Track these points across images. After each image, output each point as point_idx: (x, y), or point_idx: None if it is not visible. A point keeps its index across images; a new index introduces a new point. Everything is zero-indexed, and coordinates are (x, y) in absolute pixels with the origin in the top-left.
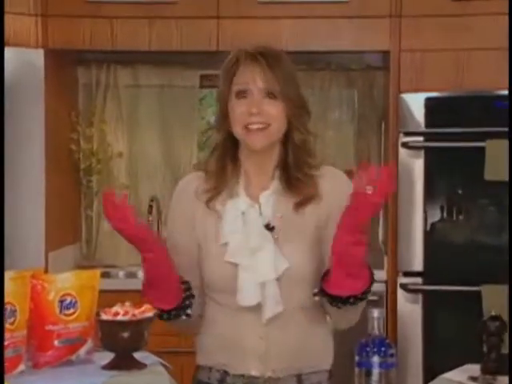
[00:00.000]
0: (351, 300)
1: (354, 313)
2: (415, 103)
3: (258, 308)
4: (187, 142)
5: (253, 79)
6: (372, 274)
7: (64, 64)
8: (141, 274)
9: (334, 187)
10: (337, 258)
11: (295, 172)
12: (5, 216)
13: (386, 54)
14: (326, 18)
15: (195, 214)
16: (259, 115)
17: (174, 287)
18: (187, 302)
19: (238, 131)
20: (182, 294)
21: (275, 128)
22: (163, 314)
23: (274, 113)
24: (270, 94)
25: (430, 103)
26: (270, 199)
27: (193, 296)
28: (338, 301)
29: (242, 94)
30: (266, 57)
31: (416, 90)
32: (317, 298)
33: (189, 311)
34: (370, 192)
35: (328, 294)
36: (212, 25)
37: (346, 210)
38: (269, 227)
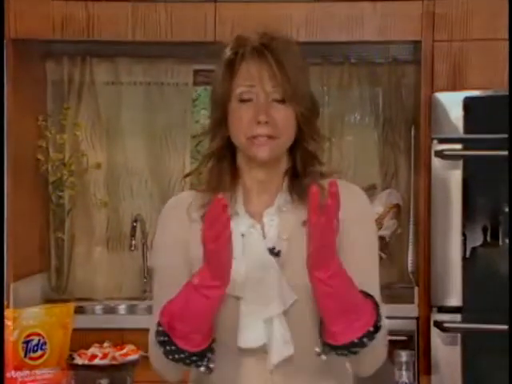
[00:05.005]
0: (364, 340)
1: (374, 352)
2: (452, 104)
3: (262, 351)
4: (178, 151)
5: (259, 80)
6: (376, 305)
7: (29, 57)
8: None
9: (347, 201)
10: (321, 305)
11: (306, 180)
12: None
13: (416, 44)
14: (345, 0)
15: (188, 236)
16: (267, 125)
17: (207, 328)
18: (209, 355)
19: (241, 142)
20: (209, 341)
21: (285, 140)
22: (181, 353)
23: (285, 121)
24: (279, 99)
25: (469, 104)
26: (275, 218)
27: (213, 350)
28: (346, 348)
29: (246, 97)
30: (273, 50)
31: (453, 89)
32: (324, 357)
33: (211, 365)
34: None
35: (334, 345)
36: (208, 9)
37: (310, 246)
38: (273, 252)
